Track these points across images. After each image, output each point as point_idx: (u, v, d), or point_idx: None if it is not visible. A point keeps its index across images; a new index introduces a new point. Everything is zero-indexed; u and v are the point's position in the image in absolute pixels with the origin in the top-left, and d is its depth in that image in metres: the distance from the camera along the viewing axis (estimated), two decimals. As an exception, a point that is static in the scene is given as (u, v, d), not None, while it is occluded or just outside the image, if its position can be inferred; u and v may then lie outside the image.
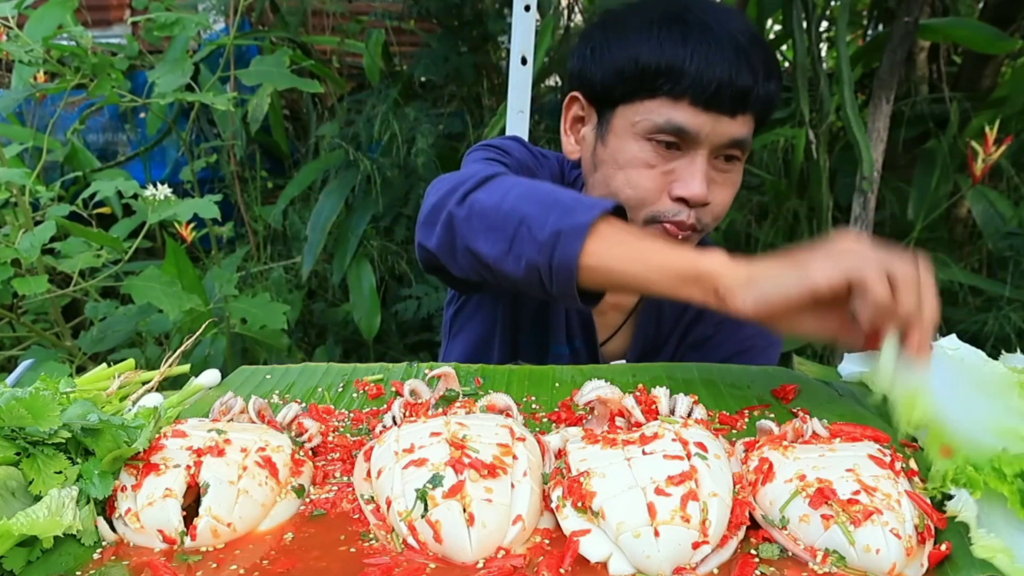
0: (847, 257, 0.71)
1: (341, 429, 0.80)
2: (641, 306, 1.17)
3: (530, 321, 1.16)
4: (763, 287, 0.73)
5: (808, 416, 0.70)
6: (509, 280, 0.87)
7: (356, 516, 0.63)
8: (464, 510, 0.56)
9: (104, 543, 0.59)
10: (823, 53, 3.02)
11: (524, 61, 1.66)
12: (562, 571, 0.54)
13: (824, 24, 2.86)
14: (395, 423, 0.73)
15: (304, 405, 0.84)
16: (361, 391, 0.90)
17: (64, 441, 0.62)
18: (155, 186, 1.71)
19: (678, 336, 1.18)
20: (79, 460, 0.63)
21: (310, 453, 0.72)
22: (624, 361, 1.16)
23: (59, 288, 1.79)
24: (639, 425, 0.69)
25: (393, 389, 0.89)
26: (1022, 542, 0.54)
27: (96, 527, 0.60)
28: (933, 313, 0.70)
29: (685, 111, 0.94)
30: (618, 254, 0.82)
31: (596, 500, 0.57)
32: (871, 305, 0.69)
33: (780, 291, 0.72)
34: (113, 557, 0.58)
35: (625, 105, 0.99)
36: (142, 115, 3.17)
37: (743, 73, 0.93)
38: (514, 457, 0.62)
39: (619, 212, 0.86)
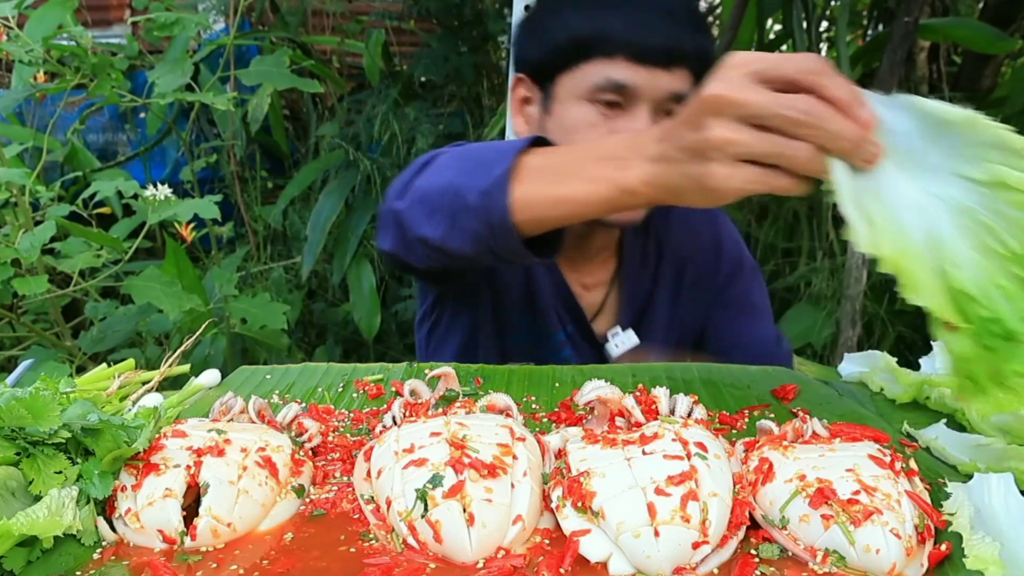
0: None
1: (341, 429, 0.80)
2: (619, 274, 1.19)
3: (515, 322, 1.17)
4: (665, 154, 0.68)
5: (808, 416, 0.70)
6: (462, 257, 0.87)
7: (356, 516, 0.63)
8: (464, 510, 0.56)
9: (104, 543, 0.59)
10: (823, 53, 3.01)
11: (524, 61, 1.65)
12: (562, 571, 0.54)
13: (824, 24, 2.86)
14: (395, 423, 0.73)
15: (304, 405, 0.84)
16: (361, 391, 0.90)
17: (64, 441, 0.62)
18: (155, 186, 1.72)
19: (668, 291, 1.21)
20: (79, 460, 0.63)
21: (310, 453, 0.72)
22: (618, 328, 1.17)
23: (59, 288, 1.79)
24: (639, 425, 0.69)
25: (393, 389, 0.89)
26: None
27: (96, 527, 0.60)
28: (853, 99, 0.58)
29: (621, 67, 0.97)
30: (543, 191, 0.78)
31: (596, 500, 0.57)
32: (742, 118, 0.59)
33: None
34: (113, 557, 0.58)
35: (564, 74, 1.02)
36: (142, 115, 3.17)
37: (673, 27, 0.97)
38: (514, 457, 0.62)
39: (540, 144, 0.83)
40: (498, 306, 1.16)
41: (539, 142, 0.83)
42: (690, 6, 1.00)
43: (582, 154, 0.78)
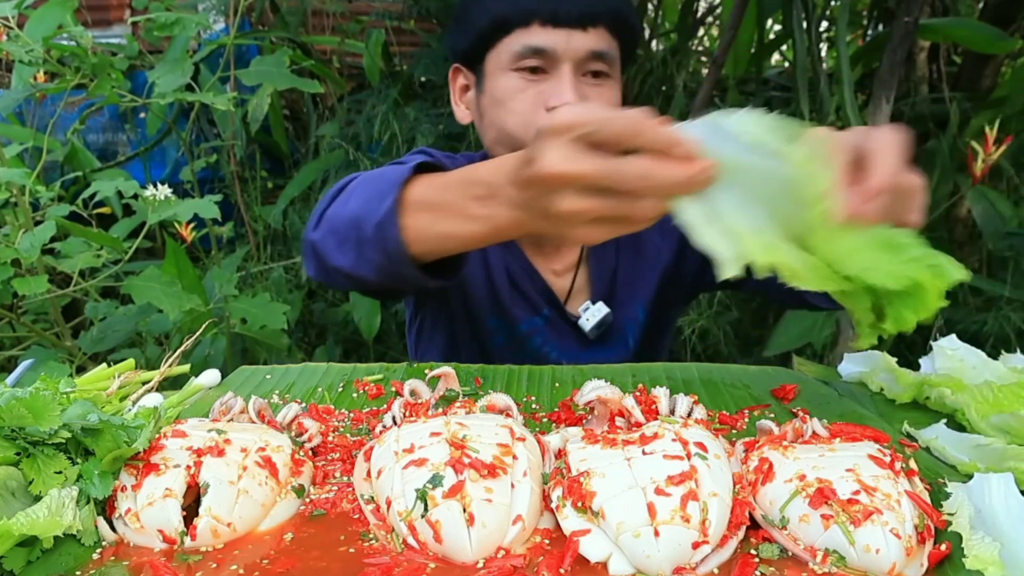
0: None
1: (341, 429, 0.80)
2: (585, 255, 1.22)
3: (492, 326, 1.20)
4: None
5: (808, 416, 0.70)
6: (375, 285, 0.88)
7: (356, 516, 0.63)
8: (464, 510, 0.56)
9: (104, 543, 0.59)
10: (823, 53, 3.01)
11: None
12: (562, 571, 0.54)
13: (824, 24, 2.86)
14: (395, 423, 0.73)
15: (304, 405, 0.84)
16: (361, 391, 0.90)
17: (64, 441, 0.62)
18: (155, 186, 1.71)
19: (629, 252, 1.22)
20: (79, 460, 0.63)
21: (310, 453, 0.72)
22: (589, 302, 1.19)
23: (59, 288, 1.79)
24: (639, 425, 0.69)
25: (393, 389, 0.89)
26: None
27: (96, 527, 0.60)
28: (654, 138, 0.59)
29: (537, 32, 1.02)
30: (428, 227, 0.80)
31: (596, 500, 0.57)
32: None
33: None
34: (113, 557, 0.58)
35: (490, 52, 1.07)
36: (142, 115, 3.17)
37: None
38: (514, 457, 0.62)
39: (426, 169, 0.84)
40: (468, 306, 1.19)
41: (424, 167, 0.84)
42: None
43: (456, 190, 0.78)
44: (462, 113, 1.18)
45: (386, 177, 0.86)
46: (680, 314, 1.34)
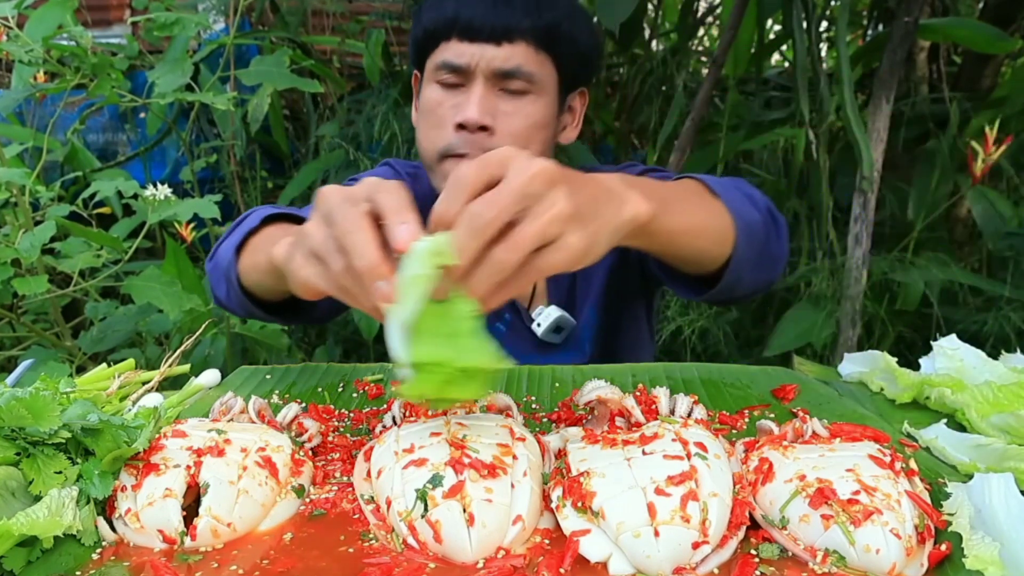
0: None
1: (341, 429, 0.80)
2: None
3: None
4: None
5: (808, 416, 0.70)
6: (250, 317, 1.01)
7: (356, 516, 0.63)
8: (464, 510, 0.56)
9: (104, 543, 0.59)
10: (823, 53, 3.02)
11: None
12: (562, 571, 0.54)
13: (824, 24, 2.86)
14: (395, 423, 0.73)
15: (304, 405, 0.84)
16: (361, 391, 0.90)
17: (64, 441, 0.62)
18: (155, 186, 1.71)
19: (591, 268, 1.21)
20: (79, 460, 0.63)
21: (310, 453, 0.72)
22: (542, 307, 1.19)
23: (59, 288, 1.79)
24: (639, 425, 0.69)
25: (393, 389, 0.89)
26: None
27: (96, 527, 0.60)
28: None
29: (453, 47, 1.05)
30: (249, 268, 0.92)
31: (596, 500, 0.57)
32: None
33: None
34: (113, 557, 0.58)
35: (426, 62, 1.11)
36: (142, 115, 3.17)
37: (499, 5, 1.03)
38: (514, 457, 0.62)
39: (274, 220, 0.96)
40: None
41: (276, 218, 0.96)
42: None
43: (266, 244, 0.87)
44: (414, 116, 1.20)
45: (248, 219, 0.98)
46: (641, 315, 1.29)
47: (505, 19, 1.02)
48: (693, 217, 0.82)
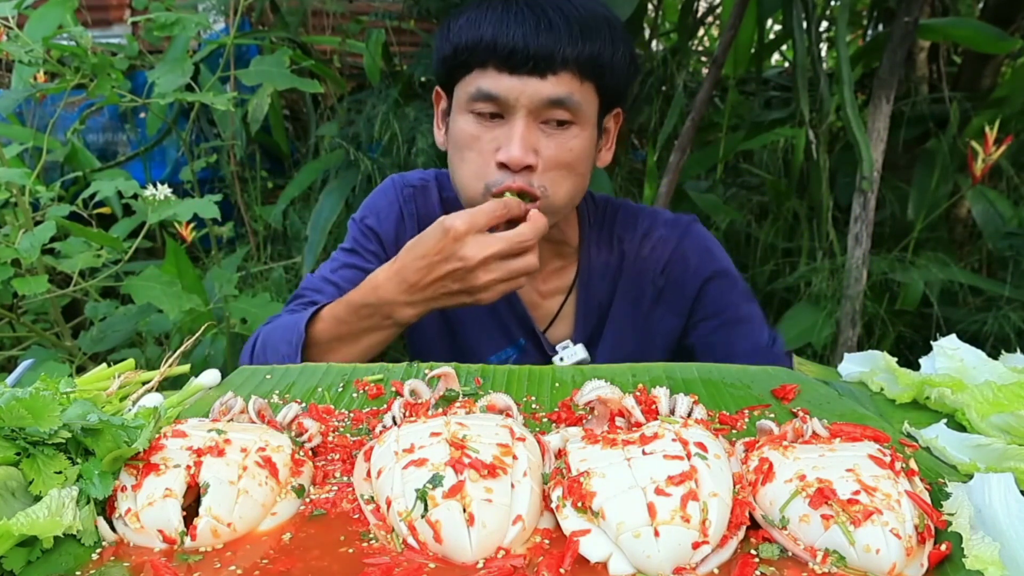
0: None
1: (341, 429, 0.80)
2: (578, 281, 1.20)
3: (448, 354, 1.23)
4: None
5: (808, 416, 0.70)
6: None
7: (356, 516, 0.63)
8: (464, 510, 0.56)
9: (104, 543, 0.59)
10: (823, 53, 3.02)
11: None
12: (562, 571, 0.54)
13: (824, 24, 2.86)
14: (395, 423, 0.73)
15: (304, 405, 0.84)
16: (361, 391, 0.90)
17: (64, 441, 0.62)
18: (155, 186, 1.71)
19: (627, 304, 1.21)
20: (79, 460, 0.63)
21: (310, 453, 0.72)
22: (570, 342, 1.18)
23: (59, 288, 1.79)
24: (639, 425, 0.69)
25: (393, 389, 0.89)
26: None
27: (96, 527, 0.60)
28: None
29: (492, 77, 0.98)
30: (328, 354, 1.06)
31: (596, 500, 0.57)
32: None
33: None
34: (113, 557, 0.58)
35: (457, 86, 1.05)
36: (142, 115, 3.17)
37: (541, 34, 0.96)
38: (514, 457, 0.62)
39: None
40: (423, 352, 1.23)
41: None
42: (572, 13, 0.99)
43: (349, 321, 1.06)
44: (441, 139, 1.15)
45: (285, 327, 1.07)
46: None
47: (549, 48, 0.96)
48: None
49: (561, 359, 1.16)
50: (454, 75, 1.05)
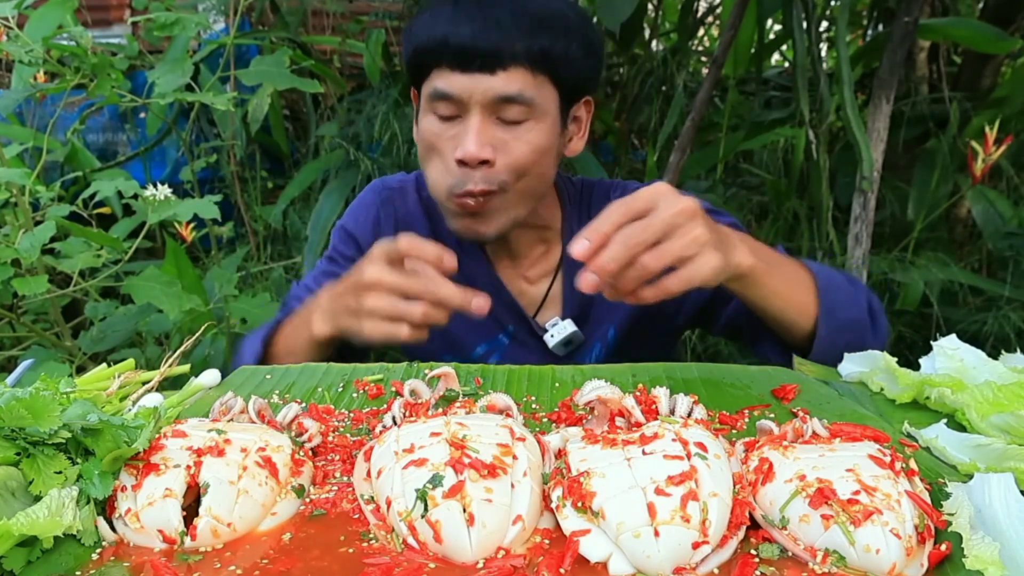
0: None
1: (341, 429, 0.80)
2: (563, 262, 1.20)
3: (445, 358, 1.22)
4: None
5: (808, 416, 0.70)
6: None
7: (356, 516, 0.63)
8: (464, 510, 0.56)
9: (104, 543, 0.59)
10: (823, 53, 3.02)
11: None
12: (562, 571, 0.54)
13: (824, 24, 2.86)
14: (395, 423, 0.73)
15: (304, 405, 0.84)
16: (361, 391, 0.90)
17: (64, 441, 0.62)
18: (155, 186, 1.71)
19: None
20: (79, 460, 0.63)
21: (310, 453, 0.72)
22: (558, 318, 1.18)
23: (59, 288, 1.79)
24: (639, 425, 0.69)
25: (393, 389, 0.89)
26: None
27: (96, 527, 0.60)
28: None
29: (446, 77, 1.00)
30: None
31: (596, 500, 0.57)
32: None
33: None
34: (113, 557, 0.58)
35: (421, 87, 1.07)
36: (142, 115, 3.17)
37: (489, 30, 0.97)
38: (514, 457, 0.62)
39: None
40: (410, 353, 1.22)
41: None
42: (521, 7, 1.00)
43: (291, 336, 1.09)
44: (416, 135, 1.16)
45: (252, 338, 1.12)
46: (671, 343, 1.31)
47: (497, 44, 0.97)
48: (785, 286, 0.96)
49: (551, 336, 1.16)
50: (416, 76, 1.06)
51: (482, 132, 1.00)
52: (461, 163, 1.01)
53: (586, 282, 0.78)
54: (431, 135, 1.04)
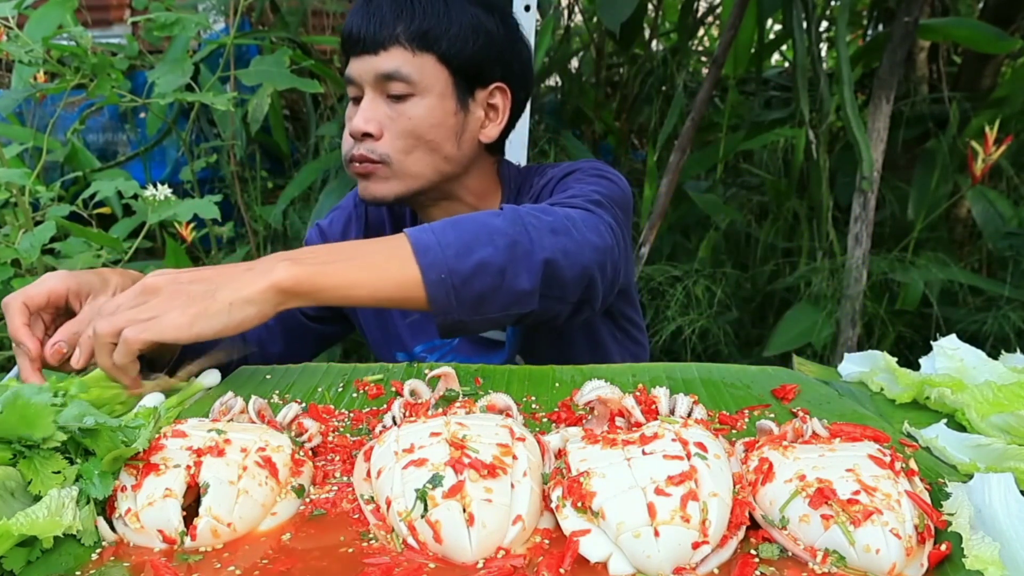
0: None
1: (341, 429, 0.80)
2: None
3: (400, 358, 1.24)
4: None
5: (808, 416, 0.70)
6: None
7: (356, 516, 0.63)
8: (464, 510, 0.56)
9: (104, 543, 0.59)
10: (823, 53, 3.02)
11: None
12: (562, 571, 0.54)
13: (824, 24, 2.86)
14: (395, 423, 0.73)
15: (304, 405, 0.84)
16: (361, 391, 0.90)
17: (60, 444, 0.62)
18: (155, 186, 1.71)
19: None
20: (79, 460, 0.63)
21: (310, 453, 0.72)
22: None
23: (59, 288, 1.78)
24: (639, 425, 0.69)
25: (393, 389, 0.89)
26: None
27: (96, 527, 0.60)
28: None
29: (349, 64, 1.12)
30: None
31: (596, 500, 0.57)
32: None
33: None
34: (113, 557, 0.58)
35: None
36: (142, 115, 3.17)
37: (371, 16, 1.09)
38: (514, 457, 0.62)
39: None
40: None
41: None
42: None
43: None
44: None
45: None
46: (592, 323, 1.25)
47: (376, 28, 1.08)
48: (364, 271, 0.86)
49: None
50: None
51: (368, 108, 1.10)
52: (352, 136, 1.13)
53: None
54: (347, 116, 1.15)
